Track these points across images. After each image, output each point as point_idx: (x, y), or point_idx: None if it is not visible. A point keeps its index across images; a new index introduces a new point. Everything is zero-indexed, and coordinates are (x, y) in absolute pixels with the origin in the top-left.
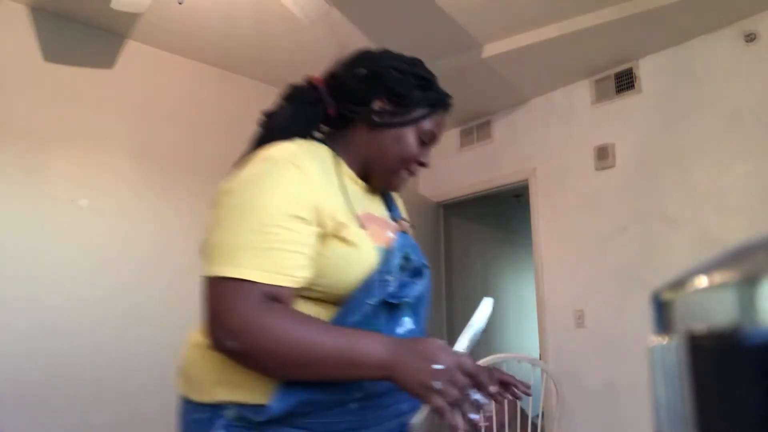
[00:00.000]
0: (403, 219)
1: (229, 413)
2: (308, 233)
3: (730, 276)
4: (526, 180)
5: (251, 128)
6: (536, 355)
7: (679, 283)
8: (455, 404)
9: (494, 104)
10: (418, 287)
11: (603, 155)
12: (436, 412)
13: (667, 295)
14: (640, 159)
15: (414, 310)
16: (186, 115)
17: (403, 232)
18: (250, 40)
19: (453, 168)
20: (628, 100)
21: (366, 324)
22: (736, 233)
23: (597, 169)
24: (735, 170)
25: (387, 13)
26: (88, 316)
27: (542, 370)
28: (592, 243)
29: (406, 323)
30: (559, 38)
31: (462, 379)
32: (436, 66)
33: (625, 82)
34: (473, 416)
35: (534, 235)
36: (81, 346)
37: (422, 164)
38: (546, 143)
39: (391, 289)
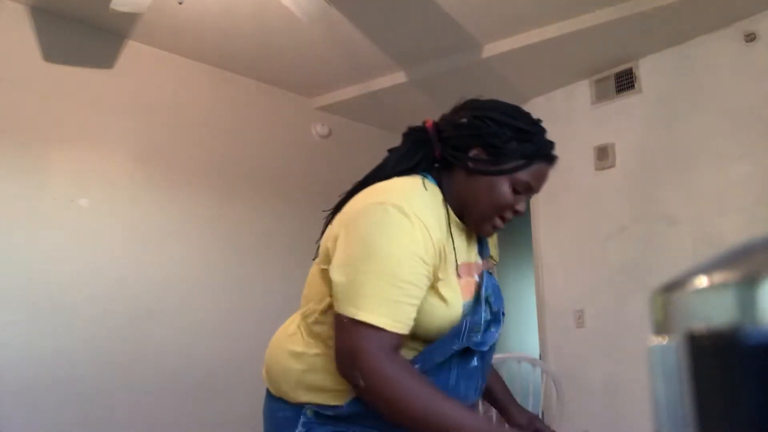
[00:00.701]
0: (491, 257)
1: (309, 412)
2: (426, 287)
3: (730, 276)
4: None
5: (251, 128)
6: (536, 355)
7: (679, 283)
8: None
9: None
10: (495, 335)
11: (603, 155)
12: None
13: (666, 295)
14: (640, 159)
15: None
16: (186, 115)
17: (489, 271)
18: (250, 40)
19: None
20: (628, 100)
21: (446, 361)
22: (736, 233)
23: (597, 169)
24: (735, 170)
25: (387, 13)
26: (88, 315)
27: (542, 370)
28: (592, 243)
29: (475, 361)
30: (559, 38)
31: None
32: (436, 66)
33: (625, 82)
34: None
35: (534, 234)
36: (81, 346)
37: (516, 212)
38: None
39: (476, 339)
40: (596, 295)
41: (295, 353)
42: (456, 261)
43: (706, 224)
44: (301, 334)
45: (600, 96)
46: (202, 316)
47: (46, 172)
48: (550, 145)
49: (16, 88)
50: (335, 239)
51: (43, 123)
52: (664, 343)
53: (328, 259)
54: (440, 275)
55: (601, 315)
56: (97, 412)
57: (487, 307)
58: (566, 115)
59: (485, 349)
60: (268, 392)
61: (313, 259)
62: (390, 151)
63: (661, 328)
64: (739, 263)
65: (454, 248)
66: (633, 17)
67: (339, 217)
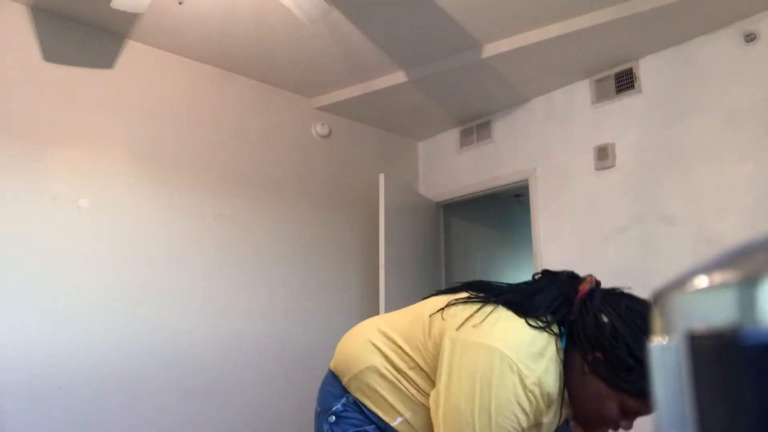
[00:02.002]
0: None
1: (350, 398)
2: None
3: (730, 276)
4: (526, 180)
5: (251, 128)
6: None
7: (679, 283)
8: None
9: (494, 104)
10: None
11: (603, 155)
12: None
13: (666, 295)
14: (640, 159)
15: None
16: (186, 115)
17: (568, 420)
18: (250, 40)
19: (453, 168)
20: (628, 100)
21: None
22: (736, 233)
23: (597, 169)
24: (735, 170)
25: (387, 13)
26: (88, 315)
27: None
28: (592, 243)
29: None
30: (559, 38)
31: None
32: (436, 66)
33: (625, 82)
34: None
35: (534, 235)
36: (80, 346)
37: (620, 428)
38: (546, 143)
39: None
40: None
41: (374, 346)
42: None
43: (706, 224)
44: (386, 341)
45: (600, 96)
46: (203, 316)
47: (46, 172)
48: None
49: (16, 88)
50: (452, 344)
51: (43, 123)
52: (664, 343)
53: (437, 341)
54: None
55: None
56: (96, 411)
57: None
58: (566, 115)
59: None
60: (331, 372)
61: (427, 297)
62: (546, 276)
63: (661, 328)
64: (739, 263)
65: (548, 411)
66: (633, 17)
67: (468, 325)
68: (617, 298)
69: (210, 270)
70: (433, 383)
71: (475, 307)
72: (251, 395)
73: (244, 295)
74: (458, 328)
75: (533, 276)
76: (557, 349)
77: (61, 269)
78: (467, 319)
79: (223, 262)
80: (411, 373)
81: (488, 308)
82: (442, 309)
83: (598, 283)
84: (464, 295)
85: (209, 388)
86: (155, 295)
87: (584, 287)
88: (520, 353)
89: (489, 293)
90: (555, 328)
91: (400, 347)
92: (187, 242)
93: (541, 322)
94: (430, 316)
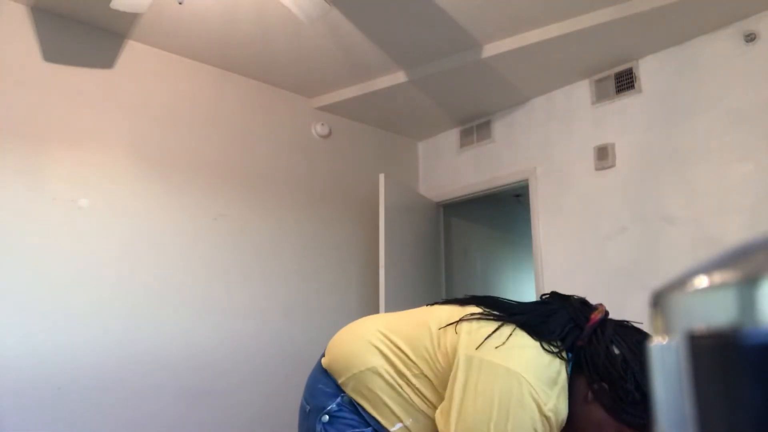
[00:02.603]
0: None
1: (345, 398)
2: None
3: (730, 276)
4: (526, 180)
5: (251, 128)
6: None
7: (679, 283)
8: None
9: (494, 104)
10: None
11: (603, 155)
12: None
13: (666, 295)
14: (640, 159)
15: None
16: (186, 115)
17: None
18: (250, 40)
19: (453, 168)
20: (628, 100)
21: None
22: (736, 233)
23: (597, 169)
24: (735, 170)
25: (387, 13)
26: (88, 315)
27: None
28: (592, 243)
29: None
30: (559, 38)
31: None
32: (436, 66)
33: (625, 82)
34: None
35: (534, 234)
36: (80, 346)
37: None
38: (546, 143)
39: None
40: (596, 295)
41: (375, 348)
42: None
43: (706, 224)
44: (389, 343)
45: (600, 96)
46: (202, 316)
47: (46, 172)
48: None
49: (16, 88)
50: (469, 361)
51: (43, 123)
52: (664, 343)
53: (448, 354)
54: None
55: None
56: (96, 411)
57: None
58: (566, 115)
59: None
60: (321, 362)
61: (430, 305)
62: (556, 298)
63: (661, 328)
64: (739, 263)
65: None
66: (633, 17)
67: (488, 345)
68: (628, 331)
69: (210, 270)
70: (438, 393)
71: (493, 326)
72: (251, 395)
73: (244, 295)
74: (478, 347)
75: (541, 296)
76: (567, 375)
77: (61, 269)
78: (486, 338)
79: (223, 261)
80: (415, 381)
81: (507, 329)
82: (456, 323)
83: (606, 312)
84: (477, 310)
85: (209, 388)
86: (155, 295)
87: (595, 316)
88: (538, 378)
89: (502, 311)
90: (564, 354)
91: (403, 353)
92: (187, 242)
93: (554, 347)
94: (440, 328)
